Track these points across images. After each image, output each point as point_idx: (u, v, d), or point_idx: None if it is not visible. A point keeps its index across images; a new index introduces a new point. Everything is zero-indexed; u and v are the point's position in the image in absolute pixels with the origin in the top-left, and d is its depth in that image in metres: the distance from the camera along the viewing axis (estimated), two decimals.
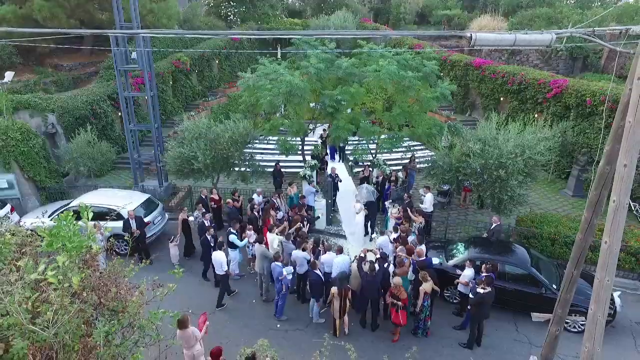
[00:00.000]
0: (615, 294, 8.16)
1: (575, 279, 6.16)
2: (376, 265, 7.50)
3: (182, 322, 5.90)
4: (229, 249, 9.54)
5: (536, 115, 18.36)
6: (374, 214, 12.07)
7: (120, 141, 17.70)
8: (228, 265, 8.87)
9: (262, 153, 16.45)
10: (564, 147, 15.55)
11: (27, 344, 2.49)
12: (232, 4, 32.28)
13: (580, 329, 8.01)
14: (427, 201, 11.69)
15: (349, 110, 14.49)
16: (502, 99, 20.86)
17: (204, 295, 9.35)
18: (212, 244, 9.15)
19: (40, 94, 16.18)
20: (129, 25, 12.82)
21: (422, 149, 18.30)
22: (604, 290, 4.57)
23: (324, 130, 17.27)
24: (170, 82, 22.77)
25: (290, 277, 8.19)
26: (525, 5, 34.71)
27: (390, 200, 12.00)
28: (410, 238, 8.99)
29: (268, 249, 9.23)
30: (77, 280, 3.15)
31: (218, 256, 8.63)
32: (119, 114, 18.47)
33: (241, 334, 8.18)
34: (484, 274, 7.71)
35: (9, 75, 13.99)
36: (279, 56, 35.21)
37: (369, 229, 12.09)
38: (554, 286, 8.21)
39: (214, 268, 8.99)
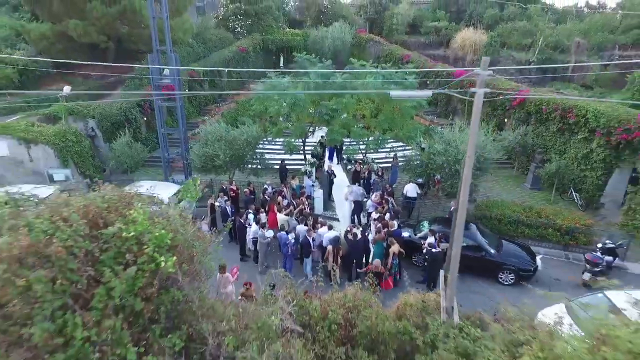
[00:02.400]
0: (538, 257, 10.66)
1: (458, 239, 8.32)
2: (358, 234, 10.01)
3: (223, 268, 8.39)
4: (247, 226, 12.04)
5: (506, 120, 20.94)
6: (359, 209, 14.47)
7: (147, 142, 20.16)
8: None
9: (270, 152, 18.95)
10: (525, 147, 18.05)
11: (174, 259, 4.65)
12: (239, 17, 34.71)
13: (510, 283, 10.50)
14: (409, 189, 14.25)
15: (343, 115, 16.94)
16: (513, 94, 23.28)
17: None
18: (247, 225, 11.66)
19: (80, 102, 18.65)
20: (162, 48, 15.24)
21: (403, 149, 20.77)
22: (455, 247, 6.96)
23: (322, 137, 19.75)
24: (186, 90, 25.26)
25: (291, 241, 10.72)
26: (506, 19, 37.15)
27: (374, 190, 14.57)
28: (387, 216, 11.52)
29: (277, 226, 11.74)
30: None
31: (254, 229, 11.23)
32: (145, 118, 21.02)
33: (261, 280, 10.66)
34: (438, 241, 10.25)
35: (67, 89, 16.40)
36: (281, 64, 37.79)
37: (355, 220, 14.53)
38: (493, 251, 10.72)
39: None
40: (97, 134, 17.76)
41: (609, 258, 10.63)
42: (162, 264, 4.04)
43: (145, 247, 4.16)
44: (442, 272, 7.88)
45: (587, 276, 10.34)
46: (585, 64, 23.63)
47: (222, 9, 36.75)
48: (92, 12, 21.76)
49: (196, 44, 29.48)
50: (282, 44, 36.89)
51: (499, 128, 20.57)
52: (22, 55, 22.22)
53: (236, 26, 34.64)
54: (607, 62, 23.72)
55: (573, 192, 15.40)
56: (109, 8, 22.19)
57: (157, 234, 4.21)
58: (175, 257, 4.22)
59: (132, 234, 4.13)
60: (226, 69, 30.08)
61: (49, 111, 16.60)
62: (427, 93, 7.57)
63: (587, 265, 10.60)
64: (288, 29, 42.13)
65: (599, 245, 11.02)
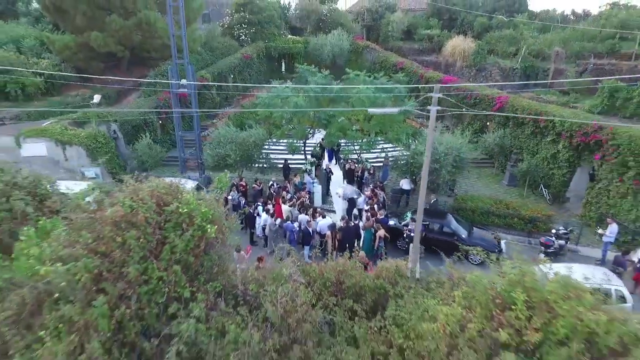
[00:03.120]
0: (502, 242, 12.35)
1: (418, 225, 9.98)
2: (350, 223, 11.70)
3: (238, 247, 10.08)
4: (257, 216, 13.74)
5: (488, 124, 22.62)
6: (352, 205, 16.11)
7: (162, 143, 21.82)
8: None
9: (274, 152, 20.64)
10: (502, 148, 19.74)
11: (215, 228, 6.33)
12: (243, 26, 36.37)
13: (478, 262, 12.19)
14: (404, 183, 15.98)
15: (341, 119, 18.57)
16: (464, 109, 25.01)
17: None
18: (256, 216, 13.39)
19: (108, 109, 20.35)
20: (180, 61, 16.91)
21: (394, 149, 22.38)
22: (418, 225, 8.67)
23: (321, 139, 21.41)
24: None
25: (296, 229, 12.40)
26: (495, 27, 38.75)
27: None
28: (376, 207, 13.24)
29: (282, 216, 13.43)
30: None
31: (264, 218, 12.94)
32: (160, 122, 22.70)
33: (269, 259, 12.38)
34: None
35: (97, 98, 18.07)
36: (283, 70, 39.42)
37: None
38: (464, 236, 12.42)
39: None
40: (119, 136, 19.44)
41: (561, 242, 12.31)
42: (208, 230, 5.72)
43: (195, 219, 5.84)
44: (411, 245, 9.56)
45: (541, 257, 11.99)
46: (557, 81, 25.29)
47: (227, 17, 38.46)
48: (111, 25, 23.45)
49: (204, 52, 31.12)
50: (284, 51, 38.53)
51: (482, 131, 22.28)
52: (47, 63, 23.81)
53: (241, 34, 36.33)
54: (582, 70, 25.41)
55: (543, 188, 17.08)
56: (127, 21, 23.86)
57: (203, 210, 5.89)
58: (216, 227, 5.90)
59: (185, 210, 5.81)
60: (231, 76, 31.89)
61: (76, 116, 18.27)
62: (394, 110, 9.28)
63: (542, 247, 12.30)
64: (290, 36, 43.82)
65: (553, 231, 12.71)
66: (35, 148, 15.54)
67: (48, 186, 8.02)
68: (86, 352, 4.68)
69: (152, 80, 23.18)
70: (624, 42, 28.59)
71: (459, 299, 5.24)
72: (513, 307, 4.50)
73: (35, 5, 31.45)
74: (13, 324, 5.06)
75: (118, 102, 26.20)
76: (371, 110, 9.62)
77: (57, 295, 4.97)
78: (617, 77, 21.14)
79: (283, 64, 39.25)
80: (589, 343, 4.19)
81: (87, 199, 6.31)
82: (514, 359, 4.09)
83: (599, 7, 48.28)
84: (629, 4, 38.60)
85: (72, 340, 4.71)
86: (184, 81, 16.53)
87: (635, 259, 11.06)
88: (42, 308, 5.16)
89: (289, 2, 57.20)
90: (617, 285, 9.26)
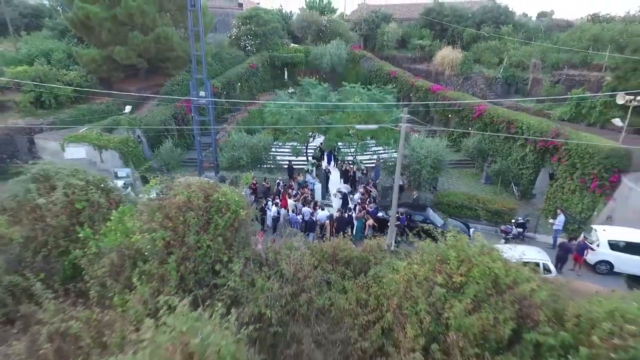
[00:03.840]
0: (471, 230, 14.46)
1: (393, 213, 12.30)
2: (344, 214, 13.84)
3: (254, 230, 12.20)
4: (267, 210, 15.87)
5: (469, 129, 24.74)
6: (346, 202, 18.23)
7: (179, 146, 23.92)
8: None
9: (280, 154, 22.76)
10: (481, 151, 21.86)
11: (245, 212, 8.50)
12: (249, 37, 38.46)
13: None
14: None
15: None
16: (449, 115, 27.15)
17: None
18: (267, 209, 15.55)
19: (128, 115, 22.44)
20: (200, 76, 18.99)
21: (385, 152, 24.47)
22: (394, 211, 10.81)
23: (321, 143, 23.52)
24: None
25: (300, 220, 14.54)
26: (482, 37, 40.79)
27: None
28: (367, 201, 15.39)
29: (288, 209, 15.57)
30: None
31: (274, 209, 15.09)
32: (176, 127, 24.80)
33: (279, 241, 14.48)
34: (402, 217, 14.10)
35: (128, 109, 20.15)
36: (285, 77, 41.52)
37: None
38: (439, 224, 14.56)
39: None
40: (143, 141, 21.55)
41: (519, 229, 14.40)
42: (241, 213, 7.84)
43: (230, 206, 7.95)
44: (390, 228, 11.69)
45: (502, 242, 14.08)
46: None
47: (234, 29, 40.56)
48: (133, 40, 25.58)
49: (214, 62, 33.22)
50: (287, 60, 40.65)
51: (464, 135, 24.41)
52: (75, 74, 25.90)
53: (247, 45, 38.45)
54: (556, 80, 27.49)
55: (513, 186, 19.20)
56: (146, 36, 25.97)
57: (236, 199, 8.01)
58: (245, 211, 8.03)
59: (223, 199, 7.93)
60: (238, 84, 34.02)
61: (107, 123, 20.39)
62: (374, 127, 11.45)
63: (503, 234, 14.37)
64: (292, 44, 45.91)
65: (513, 221, 14.80)
66: (77, 151, 17.64)
67: (110, 183, 10.14)
68: (162, 294, 6.79)
69: (176, 97, 25.22)
70: (597, 55, 30.69)
71: (415, 259, 7.38)
72: (448, 261, 6.62)
73: (59, 19, 33.45)
74: (109, 276, 7.19)
75: (138, 109, 28.32)
76: (358, 126, 11.77)
77: (137, 257, 7.11)
78: (576, 94, 23.23)
79: (286, 72, 41.36)
80: (495, 282, 6.33)
81: (153, 191, 8.47)
82: (443, 292, 6.23)
83: (581, 18, 50.28)
84: (607, 16, 40.80)
85: (153, 286, 6.83)
86: (203, 94, 18.62)
87: (592, 243, 13.13)
88: (124, 267, 7.29)
89: (291, 11, 59.42)
90: (545, 260, 11.41)
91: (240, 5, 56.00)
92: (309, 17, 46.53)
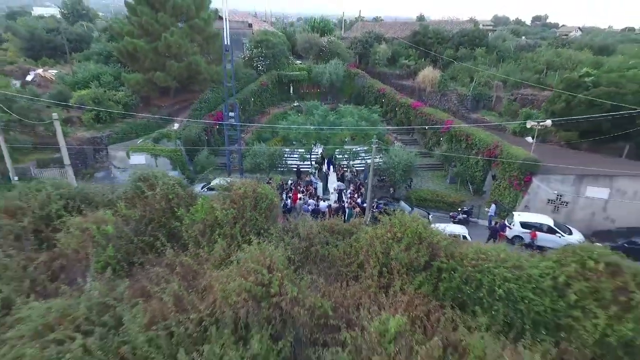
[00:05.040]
0: (430, 215, 18.94)
1: (370, 196, 16.81)
2: (340, 205, 18.37)
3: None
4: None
5: (441, 139, 29.21)
6: (341, 196, 22.74)
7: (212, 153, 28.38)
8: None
9: (290, 160, 27.26)
10: (447, 158, 26.34)
11: (277, 200, 12.95)
12: (260, 58, 42.93)
13: None
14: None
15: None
16: (426, 128, 31.62)
17: None
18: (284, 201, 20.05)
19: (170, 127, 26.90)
20: (231, 101, 23.46)
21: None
22: (369, 198, 15.31)
23: (322, 151, 27.99)
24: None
25: (309, 208, 19.03)
26: (460, 58, 45.15)
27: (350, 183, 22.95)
28: (356, 196, 19.91)
29: (296, 201, 20.08)
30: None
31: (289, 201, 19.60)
32: (207, 138, 29.27)
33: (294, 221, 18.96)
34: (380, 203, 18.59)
35: (176, 125, 24.60)
36: (291, 92, 45.92)
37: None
38: (407, 212, 19.01)
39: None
40: (182, 149, 26.03)
41: (464, 215, 18.83)
42: (275, 200, 12.35)
43: (268, 195, 12.47)
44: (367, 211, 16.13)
45: (451, 223, 18.53)
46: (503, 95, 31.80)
47: (247, 51, 45.01)
48: (170, 67, 30.08)
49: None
50: (292, 77, 45.13)
51: (437, 144, 28.88)
52: (122, 94, 30.37)
53: (259, 65, 42.91)
54: (514, 98, 31.95)
55: (469, 184, 23.68)
56: (180, 64, 30.46)
57: (270, 191, 12.53)
58: (276, 200, 12.55)
59: (263, 192, 12.45)
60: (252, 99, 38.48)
61: (156, 134, 24.89)
62: (362, 148, 15.91)
63: (451, 218, 18.81)
64: (297, 61, 50.41)
65: (459, 209, 19.24)
66: (138, 158, 22.06)
67: (184, 181, 14.63)
68: (232, 247, 11.29)
69: (218, 122, 29.64)
70: (550, 77, 35.06)
71: (378, 227, 11.89)
72: (396, 228, 11.13)
73: (102, 46, 37.84)
74: (200, 236, 11.69)
75: (171, 121, 32.83)
76: (346, 146, 16.21)
77: (215, 225, 11.63)
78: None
79: (291, 87, 45.82)
80: (418, 236, 10.83)
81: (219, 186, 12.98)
82: (390, 241, 10.74)
83: (540, 40, 54.66)
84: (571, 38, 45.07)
85: (227, 241, 11.33)
86: (232, 114, 23.07)
87: (509, 224, 17.60)
88: (205, 231, 11.80)
89: (294, 29, 64.00)
90: (464, 233, 15.96)
91: (250, 25, 60.40)
92: (311, 38, 50.99)
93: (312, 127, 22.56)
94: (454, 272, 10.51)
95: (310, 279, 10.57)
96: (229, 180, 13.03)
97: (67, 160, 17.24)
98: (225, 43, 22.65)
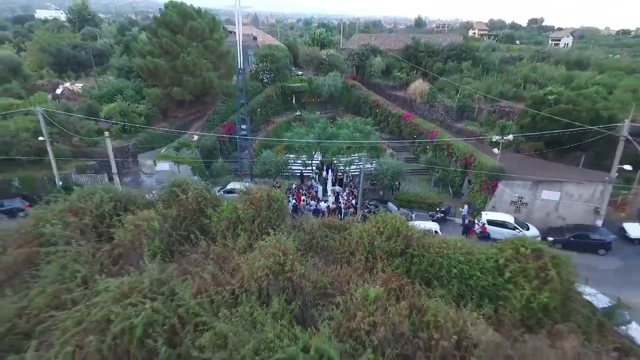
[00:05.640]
0: (413, 214, 21.59)
1: (362, 197, 19.53)
2: (335, 205, 21.02)
3: None
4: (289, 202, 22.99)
5: (427, 147, 31.89)
6: (338, 197, 25.41)
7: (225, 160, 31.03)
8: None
9: (294, 166, 29.92)
10: (432, 164, 29.02)
11: (284, 202, 15.62)
12: (265, 72, 45.60)
13: None
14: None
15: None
16: (415, 136, 34.29)
17: None
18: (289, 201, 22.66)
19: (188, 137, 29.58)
20: (243, 115, 26.12)
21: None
22: (360, 204, 17.99)
23: (322, 159, 30.64)
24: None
25: (311, 208, 21.66)
26: (448, 71, 47.72)
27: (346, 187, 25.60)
28: (351, 198, 22.56)
29: (300, 202, 22.73)
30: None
31: (293, 202, 22.22)
32: (219, 147, 31.93)
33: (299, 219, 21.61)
34: (370, 204, 21.23)
35: (195, 137, 27.26)
36: (294, 102, 48.57)
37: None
38: (393, 211, 21.65)
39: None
40: (199, 156, 28.69)
41: (441, 214, 21.47)
42: (284, 202, 15.01)
43: (279, 198, 15.14)
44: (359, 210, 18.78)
45: (430, 221, 21.14)
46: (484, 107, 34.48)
47: (253, 65, 47.70)
48: (186, 83, 32.75)
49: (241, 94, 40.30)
50: (295, 89, 47.74)
51: (424, 152, 31.53)
52: (144, 107, 33.03)
53: (264, 78, 45.58)
54: (493, 110, 34.62)
55: (449, 188, 26.33)
56: (196, 80, 33.14)
57: (280, 195, 15.19)
58: (285, 202, 15.22)
59: (275, 195, 15.12)
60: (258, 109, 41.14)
61: (177, 144, 27.55)
62: (356, 157, 18.57)
63: (430, 217, 21.45)
64: (299, 72, 53.09)
65: (438, 209, 21.89)
66: (163, 165, 24.65)
67: (209, 186, 17.29)
68: (251, 239, 13.95)
69: (231, 135, 32.32)
70: (526, 90, 37.67)
71: (366, 223, 14.57)
72: (379, 224, 13.81)
73: (123, 62, 40.49)
74: (225, 230, 14.35)
75: (187, 130, 35.51)
76: (341, 159, 18.89)
77: (237, 222, 14.31)
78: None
79: (294, 98, 48.47)
80: (396, 230, 13.52)
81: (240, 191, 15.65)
82: (374, 234, 13.44)
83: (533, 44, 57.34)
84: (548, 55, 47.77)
85: (248, 234, 13.99)
86: (244, 126, 25.75)
87: (478, 222, 20.25)
88: (230, 227, 14.48)
89: (295, 39, 66.65)
90: (435, 228, 18.57)
91: (255, 38, 63.13)
92: (312, 52, 53.70)
93: (313, 141, 25.23)
94: (423, 258, 13.19)
95: (313, 262, 13.32)
96: (247, 185, 15.67)
97: (114, 169, 19.87)
98: (239, 67, 25.30)
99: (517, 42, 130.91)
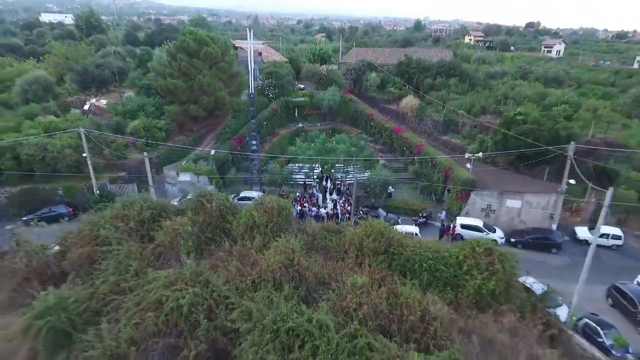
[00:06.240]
0: (399, 219, 24.46)
1: (354, 211, 22.40)
2: (333, 212, 23.90)
3: None
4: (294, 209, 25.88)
5: (415, 159, 34.76)
6: (336, 205, 28.29)
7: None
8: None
9: (298, 175, 32.78)
10: (418, 174, 31.91)
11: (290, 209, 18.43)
12: (271, 88, 48.58)
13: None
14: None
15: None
16: (404, 149, 37.16)
17: None
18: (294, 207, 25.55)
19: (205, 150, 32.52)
20: (254, 134, 29.05)
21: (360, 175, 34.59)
22: (353, 211, 20.91)
23: (322, 170, 33.55)
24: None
25: (313, 214, 24.53)
26: (436, 87, 50.45)
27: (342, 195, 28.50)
28: (346, 205, 25.46)
29: (304, 208, 25.63)
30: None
31: (297, 208, 25.10)
32: (232, 158, 34.83)
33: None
34: (362, 211, 24.12)
35: (213, 152, 30.19)
36: (296, 114, 51.48)
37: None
38: (382, 217, 24.53)
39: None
40: (214, 169, 31.59)
41: (424, 219, 24.30)
42: (291, 210, 17.89)
43: (287, 206, 18.02)
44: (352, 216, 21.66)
45: (412, 225, 23.95)
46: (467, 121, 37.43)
47: (259, 80, 50.68)
48: (202, 101, 35.71)
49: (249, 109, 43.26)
50: (297, 103, 50.68)
51: (412, 163, 34.42)
52: (164, 122, 35.94)
53: (269, 94, 48.55)
54: (475, 125, 37.52)
55: (432, 195, 29.21)
56: (210, 98, 36.11)
57: (287, 202, 18.08)
58: (291, 209, 18.09)
59: (283, 204, 18.03)
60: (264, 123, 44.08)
61: (194, 156, 30.47)
62: (352, 168, 21.50)
63: (414, 221, 24.29)
64: (301, 86, 56.06)
65: (420, 214, 24.73)
66: (185, 176, 27.54)
67: (229, 197, 20.16)
68: (265, 240, 16.83)
69: (241, 153, 35.25)
70: (506, 106, 40.51)
71: (358, 227, 17.47)
72: (367, 228, 16.73)
73: (143, 81, 43.49)
74: (244, 233, 17.22)
75: (201, 143, 38.48)
76: (338, 175, 21.80)
77: (254, 226, 17.20)
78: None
79: (296, 111, 51.41)
80: (381, 233, 16.44)
81: (254, 201, 18.56)
82: (363, 236, 16.35)
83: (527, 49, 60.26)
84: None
85: (262, 237, 16.86)
86: (254, 142, 28.68)
87: (453, 226, 23.09)
88: (247, 230, 17.38)
89: (298, 51, 69.58)
90: (416, 231, 21.39)
91: (260, 53, 66.14)
92: (313, 68, 56.73)
93: (315, 157, 28.14)
94: (401, 255, 16.09)
95: (314, 258, 16.28)
96: (261, 196, 18.58)
97: (150, 182, 22.71)
98: (251, 93, 28.27)
99: (512, 48, 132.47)
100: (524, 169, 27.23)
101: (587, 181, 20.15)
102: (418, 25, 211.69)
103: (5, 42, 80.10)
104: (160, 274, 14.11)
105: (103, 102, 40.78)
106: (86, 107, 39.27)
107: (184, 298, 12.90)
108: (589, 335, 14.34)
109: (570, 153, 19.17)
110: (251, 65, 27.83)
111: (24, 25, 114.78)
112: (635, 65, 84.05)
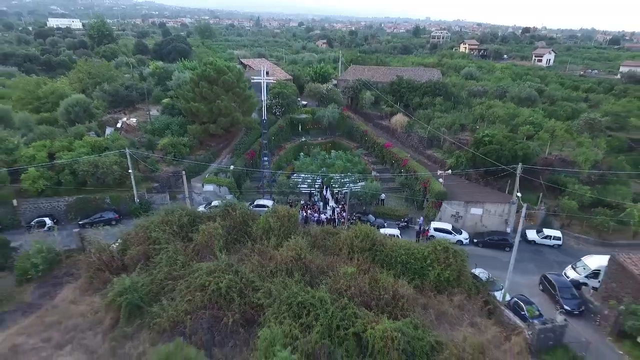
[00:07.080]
0: (385, 223, 28.45)
1: (348, 210, 26.43)
2: (332, 216, 27.96)
3: None
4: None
5: (402, 171, 38.81)
6: (334, 211, 32.29)
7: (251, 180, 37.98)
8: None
9: (302, 185, 36.81)
10: (404, 184, 35.92)
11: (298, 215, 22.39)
12: (277, 106, 52.72)
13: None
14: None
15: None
16: (393, 162, 41.16)
17: None
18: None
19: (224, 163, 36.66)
20: (265, 152, 33.19)
21: (355, 186, 38.61)
22: (347, 216, 24.97)
23: (322, 181, 37.64)
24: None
25: (315, 219, 28.54)
26: (423, 105, 54.38)
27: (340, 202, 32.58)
28: (343, 211, 29.50)
29: (307, 213, 29.68)
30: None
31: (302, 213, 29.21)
32: (245, 169, 38.95)
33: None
34: (355, 216, 28.12)
35: (232, 167, 34.24)
36: (299, 129, 55.47)
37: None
38: (371, 221, 28.52)
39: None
40: (232, 179, 35.69)
41: (404, 223, 28.25)
42: (297, 217, 21.94)
43: (294, 213, 22.07)
44: (346, 221, 25.71)
45: (395, 227, 27.87)
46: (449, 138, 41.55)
47: (267, 101, 54.79)
48: (220, 121, 39.86)
49: (257, 126, 47.43)
50: (300, 120, 54.75)
51: (400, 175, 38.44)
52: (187, 140, 40.04)
53: (276, 112, 52.70)
54: (455, 141, 41.52)
55: (415, 203, 33.20)
56: (226, 118, 40.27)
57: (295, 211, 22.13)
58: (298, 216, 22.16)
59: (292, 212, 22.10)
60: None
61: (215, 169, 34.56)
62: (348, 180, 25.55)
63: (396, 225, 28.24)
64: (303, 102, 60.10)
65: (402, 219, 28.68)
66: (209, 187, 31.60)
67: (250, 206, 24.17)
68: (278, 240, 20.88)
69: (249, 168, 39.43)
70: (481, 125, 44.40)
71: (350, 230, 21.53)
72: (357, 231, 20.78)
73: (168, 102, 47.67)
74: (262, 235, 21.27)
75: (218, 155, 42.61)
76: (335, 187, 25.85)
77: (270, 229, 21.29)
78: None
79: (300, 126, 55.46)
80: (366, 234, 20.51)
81: (270, 209, 22.62)
82: (353, 238, 20.43)
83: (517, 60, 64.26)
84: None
85: (277, 239, 20.90)
86: (265, 159, 32.79)
87: (428, 229, 27.07)
88: (264, 233, 21.44)
89: (301, 68, 73.61)
90: (397, 233, 25.30)
91: (267, 73, 70.19)
92: (314, 88, 60.94)
93: (317, 174, 32.22)
94: (382, 252, 20.07)
95: (316, 254, 20.36)
96: (273, 204, 22.63)
97: (186, 193, 26.71)
98: (264, 119, 32.41)
99: (505, 56, 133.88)
100: (492, 182, 31.25)
101: (533, 194, 24.06)
102: (417, 31, 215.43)
103: (23, 52, 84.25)
104: (202, 265, 18.30)
105: (133, 120, 44.91)
106: (118, 125, 43.38)
107: (222, 282, 16.97)
108: (515, 310, 18.31)
109: (518, 171, 23.11)
110: (264, 94, 31.95)
111: (36, 34, 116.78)
112: (618, 76, 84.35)
